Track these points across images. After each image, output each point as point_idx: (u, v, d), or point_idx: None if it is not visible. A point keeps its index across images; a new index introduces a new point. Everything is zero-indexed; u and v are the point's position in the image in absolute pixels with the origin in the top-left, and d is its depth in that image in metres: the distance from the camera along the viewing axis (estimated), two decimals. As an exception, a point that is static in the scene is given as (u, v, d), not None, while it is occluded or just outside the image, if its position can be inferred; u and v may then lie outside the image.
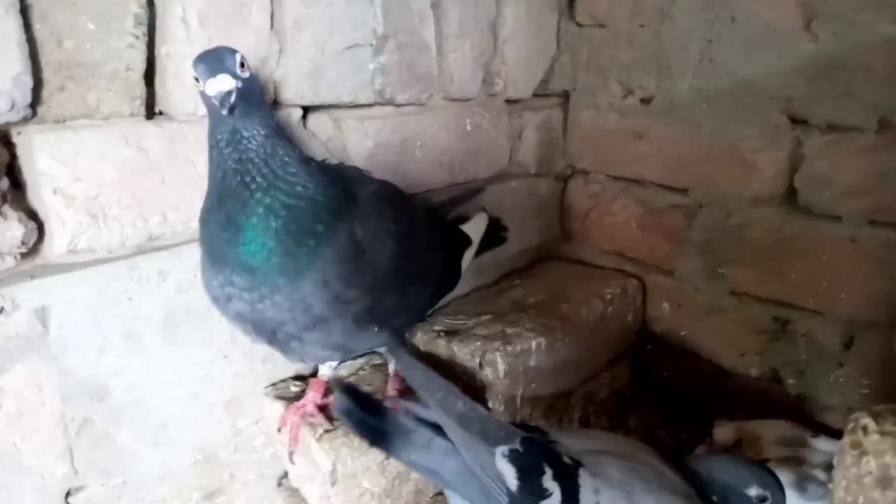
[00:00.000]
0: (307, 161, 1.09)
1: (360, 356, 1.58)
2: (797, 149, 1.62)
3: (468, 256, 1.45)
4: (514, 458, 1.03)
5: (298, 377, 1.53)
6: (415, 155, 1.69)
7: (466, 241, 1.45)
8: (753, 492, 1.12)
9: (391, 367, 1.36)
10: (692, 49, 1.74)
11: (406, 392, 1.35)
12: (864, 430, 0.78)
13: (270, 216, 1.02)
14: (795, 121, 1.61)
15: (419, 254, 1.24)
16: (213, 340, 1.39)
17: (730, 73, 1.68)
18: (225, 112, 0.98)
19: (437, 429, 1.08)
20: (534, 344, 1.57)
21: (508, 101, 1.96)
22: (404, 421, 1.10)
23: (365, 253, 1.10)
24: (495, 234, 1.64)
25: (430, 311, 1.36)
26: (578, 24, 2.00)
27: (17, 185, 1.17)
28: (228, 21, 1.30)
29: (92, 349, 1.23)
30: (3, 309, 1.12)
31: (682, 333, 1.90)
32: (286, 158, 1.04)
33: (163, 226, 1.29)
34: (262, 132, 1.02)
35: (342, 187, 1.13)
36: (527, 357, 1.56)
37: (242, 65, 1.00)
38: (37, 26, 1.12)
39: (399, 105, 1.65)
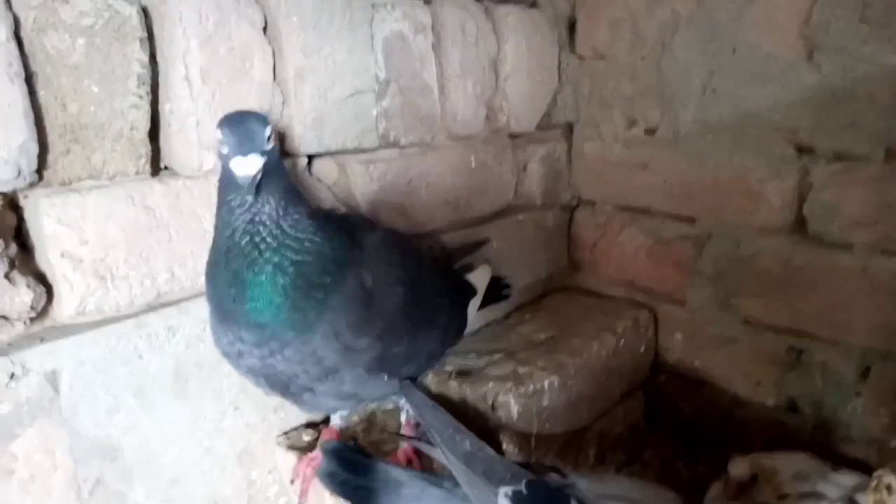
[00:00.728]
0: (316, 215, 1.09)
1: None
2: (804, 178, 1.60)
3: (474, 306, 1.44)
4: (517, 499, 1.01)
5: (311, 425, 1.52)
6: (420, 195, 1.69)
7: (472, 289, 1.44)
8: None
9: (403, 416, 1.35)
10: (694, 80, 1.74)
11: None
12: (889, 489, 0.76)
13: (278, 274, 1.02)
14: (802, 150, 1.60)
15: (427, 299, 1.24)
16: (223, 393, 1.39)
17: (733, 104, 1.68)
18: (250, 196, 0.99)
19: (434, 480, 1.07)
20: (546, 383, 1.56)
21: (512, 136, 1.96)
22: (395, 474, 1.10)
23: (374, 300, 1.10)
24: (498, 289, 1.63)
25: (438, 361, 1.36)
26: (580, 57, 2.01)
27: (25, 247, 1.18)
28: (231, 76, 1.31)
29: (103, 409, 1.23)
30: (13, 375, 1.12)
31: (696, 364, 1.88)
32: (296, 216, 1.04)
33: (171, 283, 1.29)
34: (276, 195, 1.02)
35: (349, 236, 1.13)
36: (540, 397, 1.55)
37: (270, 136, 0.99)
38: (41, 92, 1.13)
39: (403, 147, 1.65)
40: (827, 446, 1.67)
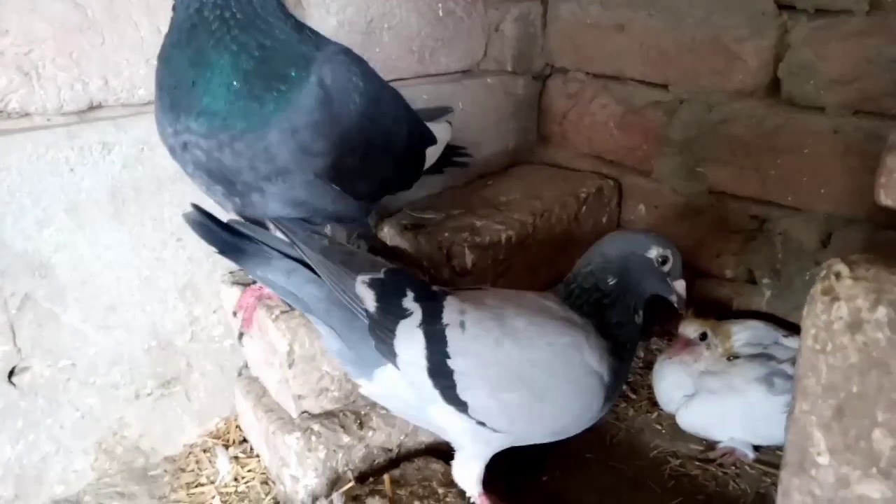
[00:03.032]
0: (287, 11, 1.03)
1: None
2: (783, 37, 1.54)
3: (433, 153, 1.37)
4: (375, 284, 1.01)
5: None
6: (382, 38, 1.60)
7: (431, 136, 1.37)
8: (654, 252, 1.09)
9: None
10: (678, -69, 1.64)
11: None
12: (837, 275, 0.73)
13: (243, 55, 0.95)
14: (782, 7, 1.53)
15: (385, 121, 1.18)
16: (164, 222, 1.33)
17: (716, -42, 1.59)
18: None
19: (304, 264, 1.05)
20: (504, 237, 1.52)
21: (484, -9, 1.85)
22: (266, 249, 1.06)
23: (333, 104, 1.03)
24: (457, 156, 1.55)
25: (392, 191, 1.29)
26: None
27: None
28: None
29: (31, 221, 1.16)
30: (-72, 170, 1.04)
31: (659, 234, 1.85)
32: (268, 1, 0.98)
33: (104, 91, 1.20)
34: None
35: (314, 37, 1.07)
36: (496, 250, 1.51)
37: None
38: None
39: (364, -22, 1.55)
40: (782, 316, 1.67)
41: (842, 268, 0.73)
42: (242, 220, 1.09)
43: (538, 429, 1.07)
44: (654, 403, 1.58)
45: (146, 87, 1.24)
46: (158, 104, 1.03)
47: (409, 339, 0.99)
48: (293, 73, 0.99)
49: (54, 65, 1.13)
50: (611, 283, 1.08)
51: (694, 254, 1.79)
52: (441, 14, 1.72)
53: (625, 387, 1.62)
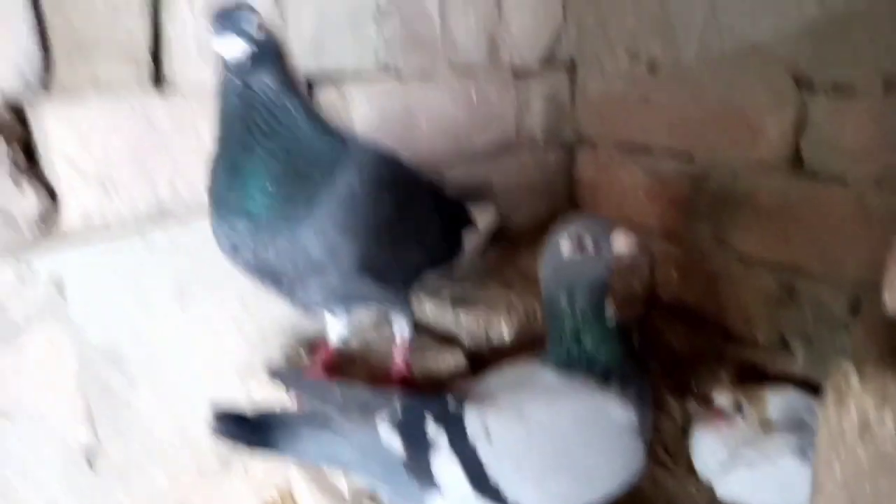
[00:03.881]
0: (314, 114, 1.12)
1: (369, 322, 1.62)
2: (803, 112, 1.60)
3: (473, 236, 1.46)
4: (395, 424, 1.03)
5: (309, 345, 1.57)
6: (420, 126, 1.71)
7: (470, 220, 1.47)
8: (565, 244, 1.06)
9: (396, 333, 1.39)
10: (697, 13, 1.73)
11: (410, 364, 1.39)
12: (847, 379, 0.79)
13: (271, 160, 1.05)
14: (801, 83, 1.60)
15: (413, 211, 1.26)
16: (225, 309, 1.44)
17: (735, 37, 1.67)
18: (236, 81, 1.02)
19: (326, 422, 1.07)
20: (539, 311, 1.59)
21: (514, 71, 1.96)
22: (292, 424, 1.06)
23: (361, 202, 1.13)
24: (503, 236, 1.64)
25: (426, 275, 1.38)
26: (583, -9, 2.00)
27: (33, 157, 1.22)
28: (231, -6, 1.32)
29: (107, 315, 1.28)
30: (22, 277, 1.17)
31: (690, 301, 1.91)
32: (291, 109, 1.07)
33: (173, 195, 1.33)
34: (273, 86, 1.05)
35: (343, 140, 1.16)
36: (533, 324, 1.58)
37: (260, 26, 1.02)
38: (46, 4, 1.16)
39: (403, 74, 1.67)
40: (816, 381, 1.70)
41: (851, 372, 0.79)
42: (264, 409, 1.13)
43: (591, 501, 1.09)
44: (693, 470, 1.61)
45: (209, 190, 1.36)
46: (210, 209, 1.14)
47: (445, 467, 1.02)
48: (318, 175, 1.08)
49: (129, 175, 1.26)
50: (563, 303, 1.06)
51: (726, 318, 1.84)
52: (474, 99, 1.83)
53: (663, 453, 1.66)
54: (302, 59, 1.45)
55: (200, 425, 1.44)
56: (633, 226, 1.96)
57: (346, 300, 1.27)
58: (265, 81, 1.04)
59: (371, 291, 1.24)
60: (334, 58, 1.51)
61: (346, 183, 1.11)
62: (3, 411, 1.20)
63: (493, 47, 1.87)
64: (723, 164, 1.77)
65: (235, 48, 0.99)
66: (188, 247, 1.36)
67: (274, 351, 1.54)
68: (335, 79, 1.55)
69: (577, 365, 1.07)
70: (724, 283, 1.82)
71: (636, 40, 1.88)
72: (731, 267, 1.80)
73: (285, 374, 1.12)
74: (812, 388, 1.65)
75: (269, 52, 1.05)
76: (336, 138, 1.15)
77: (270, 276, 1.15)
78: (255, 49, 1.00)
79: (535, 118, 2.04)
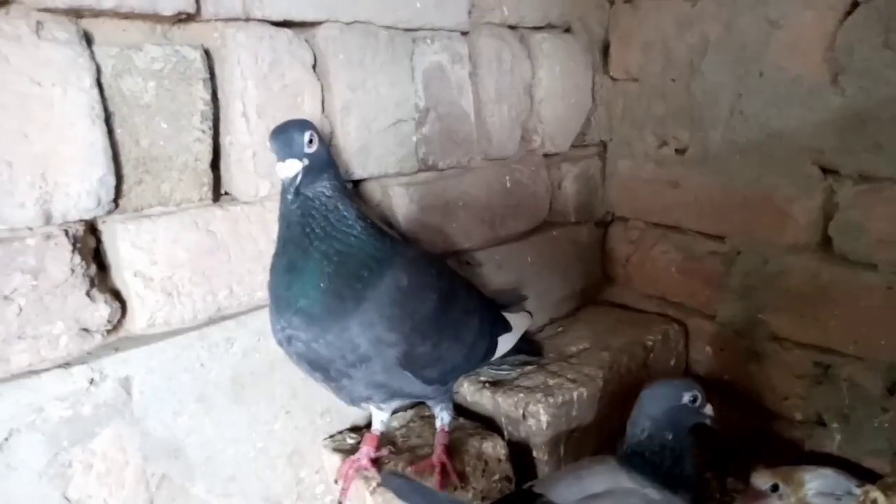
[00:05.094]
0: (364, 217, 1.25)
1: (410, 407, 1.69)
2: (830, 198, 1.65)
3: (507, 339, 1.54)
4: None
5: (354, 429, 1.64)
6: (457, 214, 1.79)
7: (506, 324, 1.54)
8: (686, 398, 1.31)
9: (437, 423, 1.45)
10: (723, 102, 1.80)
11: (450, 450, 1.45)
12: (874, 502, 0.83)
13: (324, 261, 1.17)
14: (827, 171, 1.65)
15: (456, 313, 1.36)
16: (275, 398, 1.52)
17: (760, 125, 1.73)
18: (290, 195, 1.15)
19: None
20: (575, 395, 1.64)
21: (546, 155, 2.05)
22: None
23: (407, 300, 1.23)
24: (533, 345, 1.72)
25: (462, 374, 1.47)
26: (613, 79, 2.09)
27: (102, 266, 1.32)
28: (283, 111, 1.43)
29: (169, 412, 1.36)
30: (93, 380, 1.27)
31: (726, 377, 1.93)
32: (344, 213, 1.21)
33: (229, 298, 1.42)
34: (327, 193, 1.19)
35: (392, 243, 1.28)
36: (569, 408, 1.63)
37: (311, 141, 1.15)
38: (118, 130, 1.28)
39: (441, 170, 1.76)
40: (854, 461, 1.70)
41: (878, 495, 0.83)
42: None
43: None
44: (733, 551, 1.63)
45: (263, 290, 1.45)
46: (270, 306, 1.26)
47: None
48: (366, 274, 1.19)
49: (190, 283, 1.36)
50: (670, 438, 1.28)
51: (762, 396, 1.86)
52: (508, 185, 1.91)
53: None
54: (349, 165, 1.56)
55: (252, 511, 1.53)
56: (666, 302, 2.03)
57: (389, 394, 1.35)
58: (320, 190, 1.18)
59: (412, 386, 1.32)
60: (379, 162, 1.62)
61: (393, 282, 1.21)
62: (74, 501, 1.28)
63: (526, 136, 1.97)
64: (753, 247, 1.81)
65: (293, 169, 1.13)
66: (242, 343, 1.45)
67: (321, 435, 1.61)
68: (378, 177, 1.65)
69: (656, 475, 1.25)
70: (758, 361, 1.85)
71: (664, 126, 1.96)
72: (765, 345, 1.83)
73: (395, 482, 1.22)
74: (849, 466, 1.65)
75: (323, 162, 1.18)
76: (384, 240, 1.26)
77: (320, 367, 1.25)
78: (309, 163, 1.14)
79: (568, 198, 2.11)
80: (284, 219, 1.21)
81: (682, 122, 1.91)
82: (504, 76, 1.85)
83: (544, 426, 1.58)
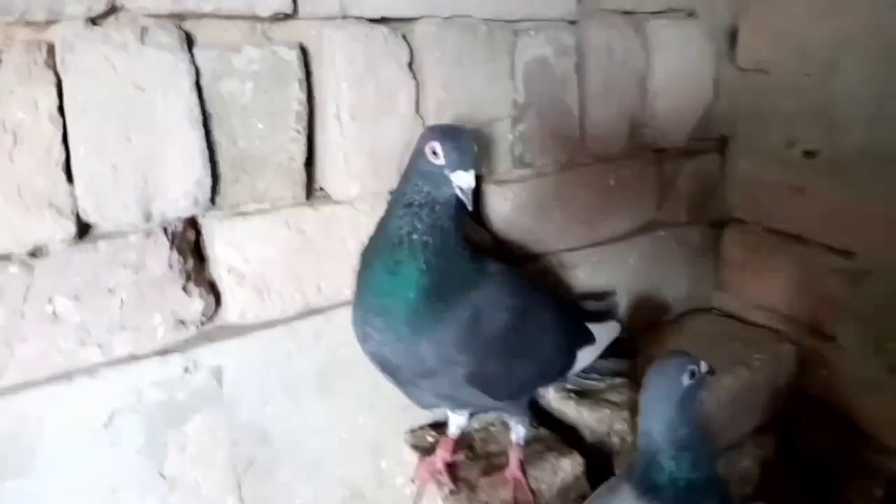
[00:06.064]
0: (465, 237, 1.26)
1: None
2: (984, 223, 1.44)
3: (589, 353, 1.48)
4: None
5: (435, 425, 1.65)
6: (553, 215, 1.72)
7: (589, 336, 1.48)
8: (686, 378, 1.18)
9: (512, 435, 1.43)
10: (864, 104, 1.60)
11: (525, 466, 1.42)
12: None
13: (426, 275, 1.17)
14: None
15: (528, 331, 1.32)
16: (360, 392, 1.55)
17: (906, 132, 1.53)
18: (470, 207, 1.16)
19: None
20: (666, 415, 1.55)
21: (658, 150, 1.91)
22: None
23: (480, 323, 1.22)
24: (623, 349, 1.64)
25: (534, 391, 1.43)
26: (740, 70, 1.90)
27: (202, 258, 1.39)
28: (377, 112, 1.42)
29: (257, 401, 1.42)
30: (187, 369, 1.34)
31: (839, 404, 1.76)
32: (457, 234, 1.21)
33: (317, 296, 1.45)
34: (452, 212, 1.19)
35: (479, 260, 1.27)
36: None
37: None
38: (216, 131, 1.31)
39: (538, 168, 1.69)
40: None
41: None
42: None
43: None
44: None
45: (350, 289, 1.47)
46: (356, 300, 1.28)
47: None
48: (451, 296, 1.19)
49: (281, 281, 1.40)
50: (686, 434, 1.15)
51: (882, 431, 1.69)
52: (612, 183, 1.81)
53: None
54: (440, 165, 1.52)
55: (334, 494, 1.58)
56: (780, 316, 1.87)
57: (458, 404, 1.37)
58: (452, 205, 1.18)
59: (482, 400, 1.32)
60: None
61: (471, 306, 1.20)
62: (169, 477, 1.38)
63: (636, 130, 1.84)
64: (887, 268, 1.62)
65: (473, 181, 1.14)
66: (328, 338, 1.47)
67: (403, 429, 1.63)
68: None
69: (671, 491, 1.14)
70: (881, 394, 1.67)
71: (793, 125, 1.77)
72: (890, 378, 1.65)
73: None
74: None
75: None
76: (477, 265, 1.26)
77: (389, 370, 1.28)
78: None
79: (680, 197, 1.97)
80: (406, 223, 1.19)
81: (815, 123, 1.72)
82: (614, 67, 1.74)
83: (631, 446, 1.51)
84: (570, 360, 1.44)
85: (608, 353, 1.52)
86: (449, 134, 1.17)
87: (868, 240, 1.65)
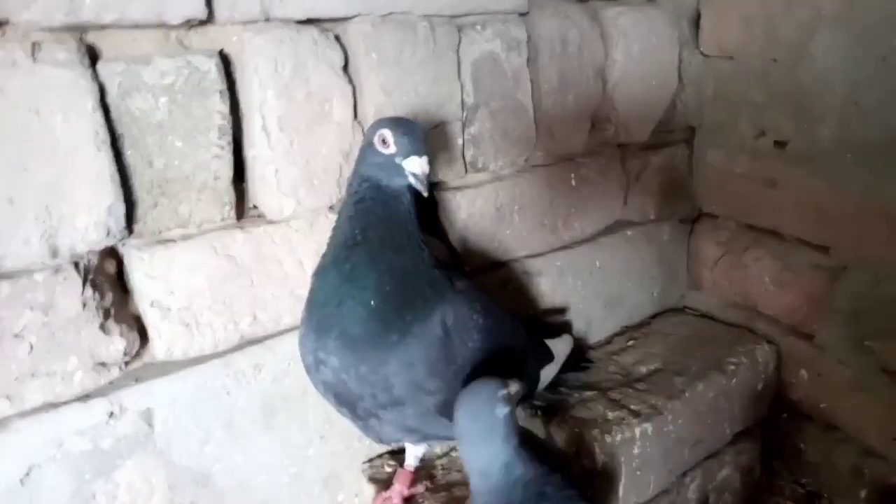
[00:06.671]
0: (423, 240, 1.14)
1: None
2: (966, 212, 1.35)
3: (549, 372, 1.40)
4: None
5: (394, 453, 1.54)
6: (512, 220, 1.62)
7: (549, 355, 1.39)
8: (500, 406, 1.02)
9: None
10: (836, 91, 1.50)
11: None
12: None
13: (387, 275, 1.06)
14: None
15: (499, 352, 1.21)
16: (309, 423, 1.44)
17: (882, 121, 1.43)
18: (426, 193, 1.06)
19: None
20: (637, 431, 1.46)
21: (621, 145, 1.81)
22: None
23: (451, 343, 1.11)
24: (578, 361, 1.57)
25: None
26: (704, 55, 1.80)
27: (125, 290, 1.27)
28: (309, 121, 1.30)
29: (194, 441, 1.31)
30: (112, 413, 1.22)
31: (823, 406, 1.68)
32: (416, 230, 1.11)
33: (253, 326, 1.33)
34: (407, 205, 1.10)
35: (443, 272, 1.16)
36: (629, 445, 1.46)
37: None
38: (128, 152, 1.19)
39: (493, 172, 1.58)
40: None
41: None
42: None
43: None
44: None
45: (291, 315, 1.36)
46: (306, 323, 1.15)
47: None
48: (420, 304, 1.08)
49: (210, 311, 1.28)
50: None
51: (866, 432, 1.60)
52: (574, 183, 1.71)
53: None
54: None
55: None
56: (756, 314, 1.78)
57: (422, 437, 1.26)
58: (407, 195, 1.09)
59: (448, 431, 1.18)
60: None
61: (440, 320, 1.10)
62: (101, 534, 1.27)
63: (597, 125, 1.74)
64: (864, 263, 1.54)
65: (427, 166, 1.05)
66: (270, 368, 1.36)
67: (359, 458, 1.53)
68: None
69: None
70: (863, 394, 1.59)
71: (763, 114, 1.68)
72: (872, 377, 1.57)
73: None
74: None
75: None
76: (439, 268, 1.15)
77: (346, 402, 1.15)
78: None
79: (647, 192, 1.87)
80: (359, 220, 1.09)
81: (785, 111, 1.62)
82: (570, 61, 1.62)
83: (599, 465, 1.42)
84: (536, 381, 1.35)
85: (565, 368, 1.43)
86: (399, 122, 1.09)
87: (844, 234, 1.56)
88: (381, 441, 1.27)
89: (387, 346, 1.05)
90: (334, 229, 1.16)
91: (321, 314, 1.11)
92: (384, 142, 1.06)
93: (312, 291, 1.16)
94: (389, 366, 1.06)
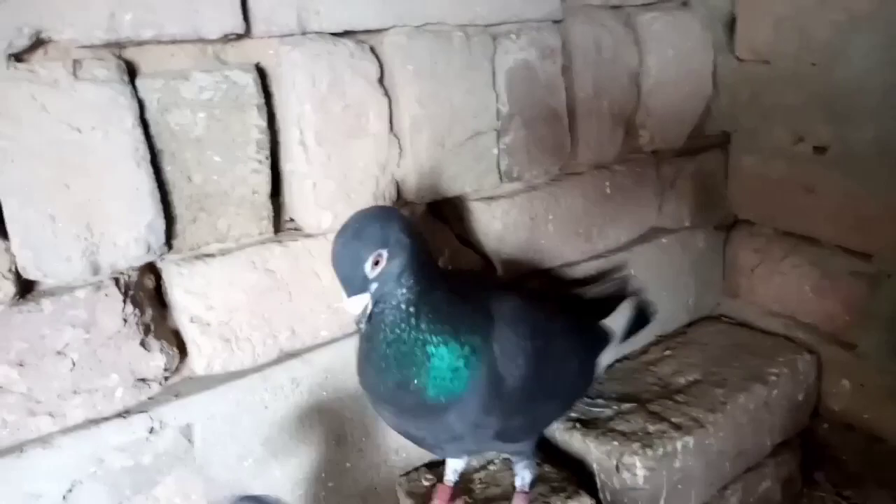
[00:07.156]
0: (451, 297, 1.07)
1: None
2: None
3: (608, 354, 1.38)
4: None
5: (432, 465, 1.53)
6: (547, 229, 1.60)
7: (605, 338, 1.36)
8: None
9: (517, 481, 1.31)
10: (874, 93, 1.47)
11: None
12: None
13: (413, 367, 1.03)
14: None
15: (552, 369, 1.20)
16: (346, 436, 1.43)
17: (925, 125, 1.40)
18: (362, 327, 1.01)
19: None
20: (679, 445, 1.43)
21: (656, 152, 1.79)
22: None
23: (502, 381, 1.10)
24: (643, 318, 1.51)
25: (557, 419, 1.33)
26: (738, 60, 1.77)
27: (164, 305, 1.27)
28: (346, 134, 1.30)
29: (233, 456, 1.30)
30: (152, 429, 1.22)
31: (866, 416, 1.64)
32: (430, 314, 1.03)
33: (291, 340, 1.33)
34: (408, 299, 1.01)
35: (482, 306, 1.12)
36: (671, 459, 1.43)
37: (377, 262, 0.96)
38: (167, 168, 1.19)
39: (527, 181, 1.57)
40: None
41: None
42: None
43: None
44: None
45: (328, 329, 1.36)
46: (360, 374, 1.13)
47: None
48: (462, 364, 1.04)
49: (249, 326, 1.28)
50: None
51: (911, 444, 1.57)
52: (608, 191, 1.69)
53: None
54: (419, 187, 1.40)
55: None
56: (795, 322, 1.75)
57: (477, 453, 1.33)
58: (398, 296, 1.00)
59: (502, 447, 1.28)
60: (454, 181, 1.45)
61: (489, 366, 1.08)
62: (142, 547, 1.27)
63: (631, 132, 1.72)
64: (908, 270, 1.50)
65: (360, 304, 0.98)
66: (308, 382, 1.36)
67: (396, 472, 1.51)
68: (454, 197, 1.48)
69: None
70: (908, 404, 1.55)
71: (800, 119, 1.64)
72: (918, 387, 1.53)
73: None
74: None
75: (394, 270, 0.98)
76: (476, 317, 1.10)
77: (408, 435, 1.18)
78: (379, 285, 0.98)
79: (682, 199, 1.84)
80: (379, 333, 1.04)
81: (822, 116, 1.59)
82: (604, 67, 1.60)
83: (640, 481, 1.40)
84: (591, 373, 1.35)
85: (629, 334, 1.45)
86: (335, 250, 1.01)
87: (885, 241, 1.53)
88: (432, 452, 1.32)
89: (439, 408, 1.06)
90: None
91: (371, 389, 1.12)
92: None
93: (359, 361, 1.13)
94: (448, 419, 1.08)
